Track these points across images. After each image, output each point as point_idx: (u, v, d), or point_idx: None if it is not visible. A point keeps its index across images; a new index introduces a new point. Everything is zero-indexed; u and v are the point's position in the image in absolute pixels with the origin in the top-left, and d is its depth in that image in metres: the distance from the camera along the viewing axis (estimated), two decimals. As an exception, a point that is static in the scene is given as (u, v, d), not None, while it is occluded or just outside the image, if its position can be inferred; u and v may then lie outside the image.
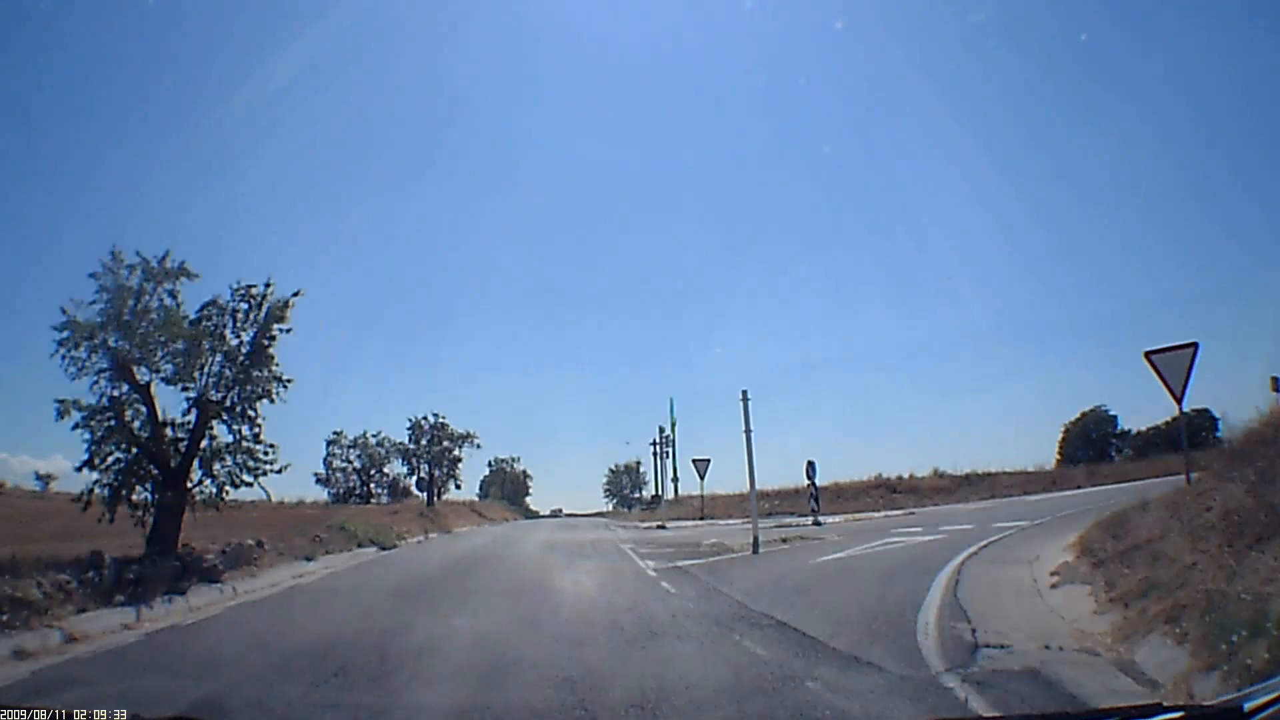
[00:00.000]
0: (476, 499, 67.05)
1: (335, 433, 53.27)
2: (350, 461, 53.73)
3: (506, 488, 74.47)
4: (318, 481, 53.91)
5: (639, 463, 73.50)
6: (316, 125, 53.84)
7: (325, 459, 53.78)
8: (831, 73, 57.53)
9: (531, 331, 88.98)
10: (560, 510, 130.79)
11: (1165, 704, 2.47)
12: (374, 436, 52.17)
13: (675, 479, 45.00)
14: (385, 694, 4.95)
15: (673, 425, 45.18)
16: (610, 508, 76.92)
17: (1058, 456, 40.11)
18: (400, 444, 51.33)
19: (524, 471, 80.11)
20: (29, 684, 5.58)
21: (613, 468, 75.04)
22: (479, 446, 51.24)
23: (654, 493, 46.39)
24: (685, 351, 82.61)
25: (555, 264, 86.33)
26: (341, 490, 54.22)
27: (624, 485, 75.11)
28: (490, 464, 72.04)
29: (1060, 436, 43.03)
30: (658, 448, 46.48)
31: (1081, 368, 64.72)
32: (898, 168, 63.51)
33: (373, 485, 54.32)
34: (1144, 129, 48.70)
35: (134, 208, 52.55)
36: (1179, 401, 9.36)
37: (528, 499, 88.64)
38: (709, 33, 55.00)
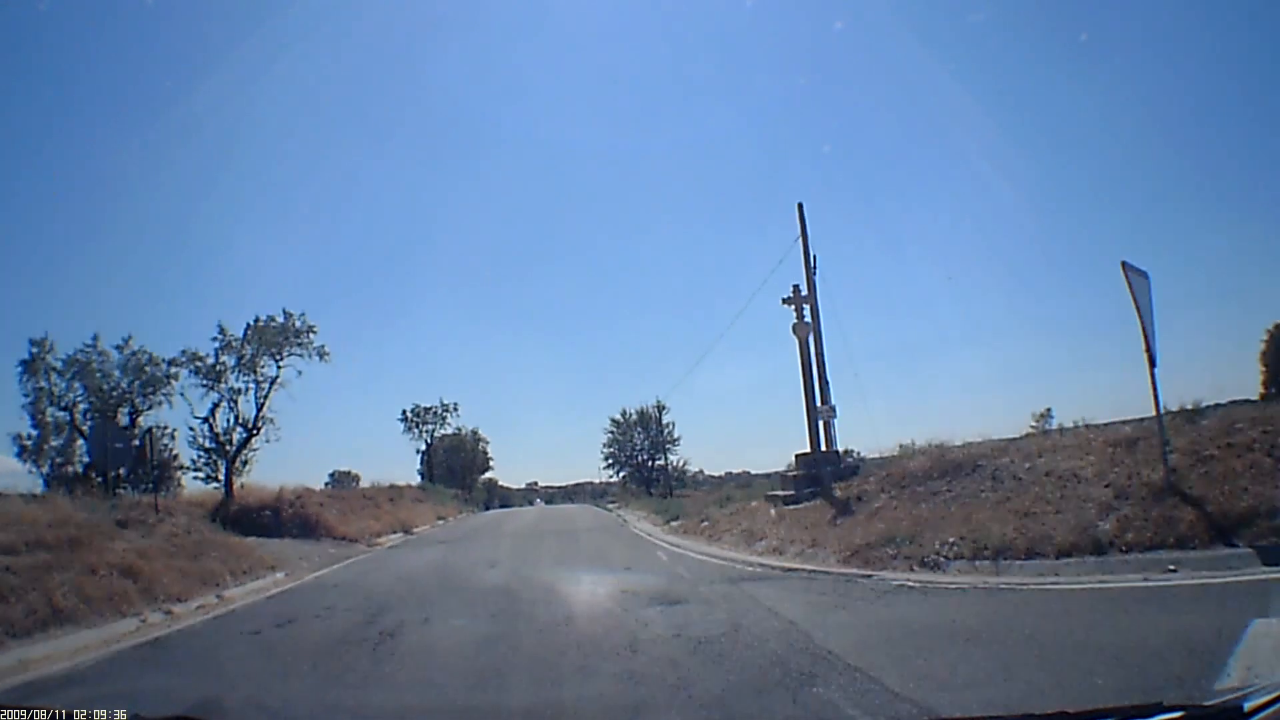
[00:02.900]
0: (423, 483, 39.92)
1: (35, 347, 24.03)
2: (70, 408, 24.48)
3: (440, 460, 45.67)
4: (20, 453, 24.92)
5: (661, 407, 45.16)
6: (282, 101, 50.99)
7: (30, 404, 24.55)
8: (813, 62, 51.52)
9: (504, 304, 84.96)
10: (536, 486, 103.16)
11: (1165, 704, 2.24)
12: (117, 349, 23.04)
13: (825, 406, 16.40)
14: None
15: (810, 274, 16.62)
16: (617, 480, 48.89)
17: (1263, 382, 24.45)
18: (195, 355, 22.63)
19: (474, 432, 51.54)
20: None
21: (618, 418, 46.67)
22: (324, 355, 22.58)
23: (833, 446, 17.01)
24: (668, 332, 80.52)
25: (528, 240, 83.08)
26: (52, 467, 25.08)
27: (636, 447, 46.66)
28: (405, 414, 42.91)
29: (1262, 347, 25.97)
30: (800, 303, 17.33)
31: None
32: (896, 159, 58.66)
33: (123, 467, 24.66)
34: (1146, 125, 42.70)
35: (97, 184, 44.32)
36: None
37: (489, 474, 68.70)
38: (686, 19, 48.68)
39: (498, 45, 59.20)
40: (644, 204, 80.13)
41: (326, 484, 52.29)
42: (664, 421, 45.70)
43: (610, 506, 35.05)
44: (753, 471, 59.61)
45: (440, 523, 29.43)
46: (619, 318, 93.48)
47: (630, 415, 46.37)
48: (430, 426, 42.43)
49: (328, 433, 72.22)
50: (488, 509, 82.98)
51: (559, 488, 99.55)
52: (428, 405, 42.41)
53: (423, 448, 42.06)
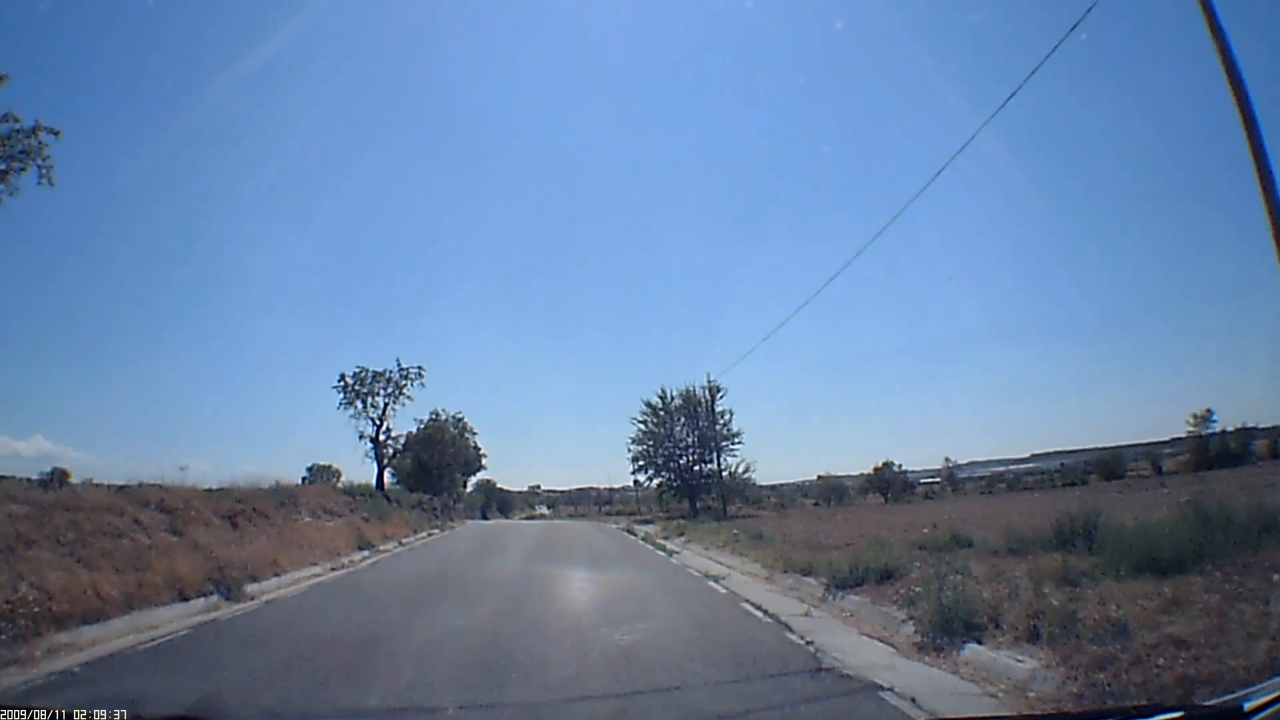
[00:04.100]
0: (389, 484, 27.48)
1: None
2: None
3: (407, 454, 32.42)
4: None
5: (715, 390, 31.66)
6: (300, 106, 49.40)
7: None
8: (826, 65, 50.68)
9: (513, 305, 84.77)
10: (539, 490, 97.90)
11: (1165, 704, 2.43)
12: None
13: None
14: None
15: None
16: (649, 486, 35.65)
17: None
18: None
19: (457, 418, 38.33)
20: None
21: (654, 402, 33.16)
22: (45, 169, 9.17)
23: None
24: (676, 333, 79.96)
25: (538, 242, 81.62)
26: None
27: (678, 444, 33.14)
28: (345, 381, 29.19)
29: None
30: None
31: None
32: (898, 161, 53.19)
33: None
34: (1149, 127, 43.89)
35: (120, 187, 41.91)
36: None
37: (482, 474, 57.50)
38: (699, 22, 48.18)
39: (507, 49, 58.47)
40: (654, 207, 79.31)
41: (304, 479, 39.50)
42: (717, 410, 32.39)
43: (651, 533, 21.76)
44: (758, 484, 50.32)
45: (361, 556, 16.32)
46: (628, 320, 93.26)
47: (671, 399, 33.05)
48: (383, 401, 28.92)
49: (328, 432, 70.22)
50: (484, 517, 70.06)
51: (562, 492, 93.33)
52: (379, 370, 28.91)
53: (371, 432, 28.31)
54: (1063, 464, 55.63)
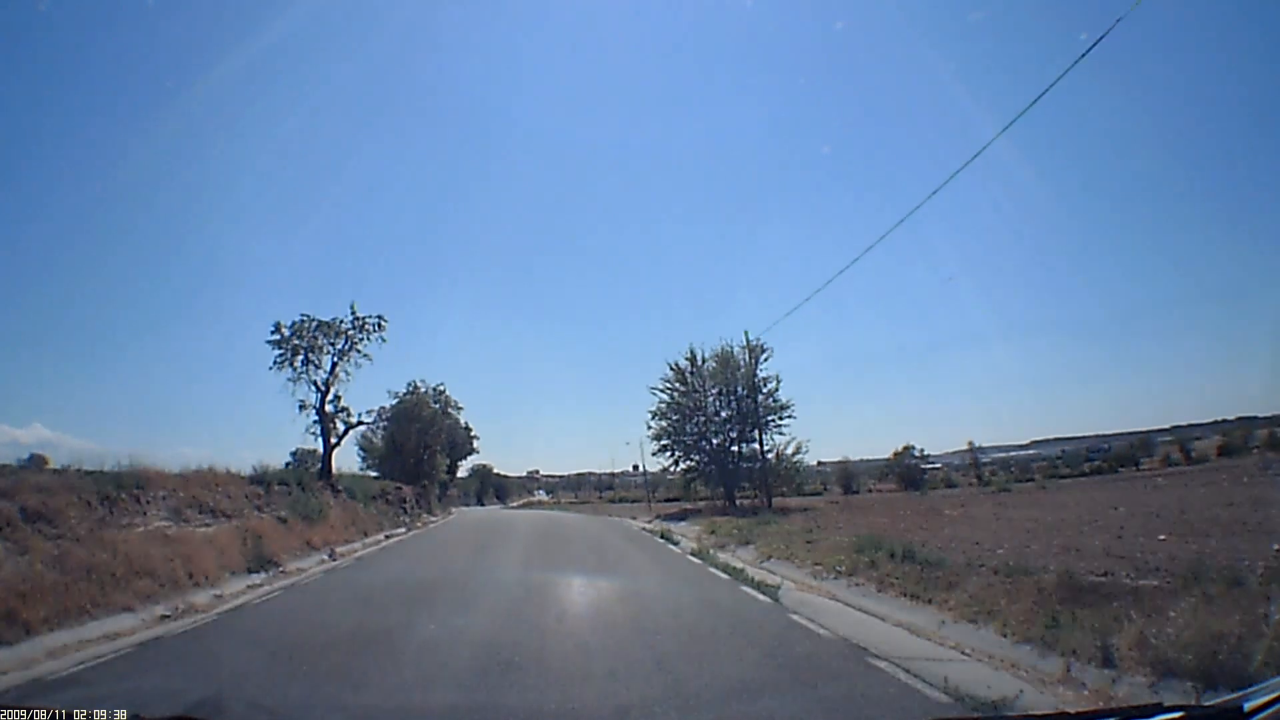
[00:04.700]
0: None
1: None
2: None
3: (387, 428, 26.11)
4: None
5: (758, 350, 25.07)
6: (299, 93, 48.42)
7: None
8: (826, 59, 44.27)
9: (512, 294, 78.67)
10: (537, 475, 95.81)
11: (1165, 704, 2.37)
12: None
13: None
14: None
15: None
16: (674, 470, 29.29)
17: None
18: None
19: (438, 390, 31.91)
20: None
21: (680, 364, 26.52)
22: None
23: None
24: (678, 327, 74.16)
25: (539, 231, 75.97)
26: None
27: (711, 420, 26.52)
28: (280, 332, 21.84)
29: None
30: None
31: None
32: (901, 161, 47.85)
33: None
34: (1150, 127, 37.26)
35: (117, 180, 40.82)
36: None
37: (475, 457, 53.35)
38: (701, 11, 44.74)
39: (511, 40, 55.72)
40: (653, 195, 77.42)
41: (288, 463, 33.26)
42: (761, 375, 25.77)
43: (697, 538, 15.40)
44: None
45: (238, 589, 9.81)
46: (628, 305, 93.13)
47: (704, 362, 26.36)
48: (330, 359, 21.52)
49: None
50: (480, 503, 64.08)
51: (561, 477, 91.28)
52: (326, 320, 21.54)
53: (314, 401, 20.96)
54: (1063, 450, 55.89)
